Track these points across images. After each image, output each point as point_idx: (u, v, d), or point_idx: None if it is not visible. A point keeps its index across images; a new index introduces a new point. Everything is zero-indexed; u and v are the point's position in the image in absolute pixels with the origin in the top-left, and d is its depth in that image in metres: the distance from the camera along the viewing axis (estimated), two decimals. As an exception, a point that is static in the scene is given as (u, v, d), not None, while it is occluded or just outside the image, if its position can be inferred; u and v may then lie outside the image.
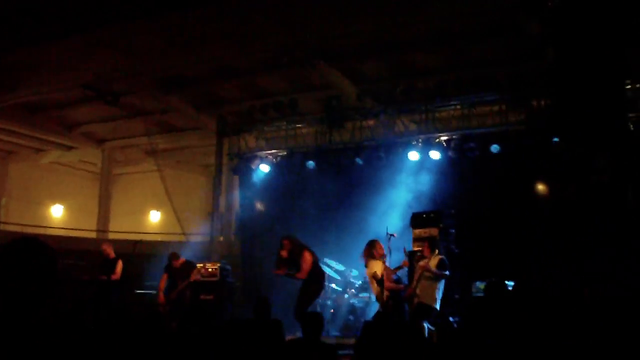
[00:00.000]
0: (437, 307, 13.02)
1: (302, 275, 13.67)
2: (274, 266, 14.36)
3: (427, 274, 13.05)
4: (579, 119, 13.57)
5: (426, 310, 12.88)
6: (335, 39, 17.37)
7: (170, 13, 17.91)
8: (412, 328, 12.00)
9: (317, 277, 13.89)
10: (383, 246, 14.20)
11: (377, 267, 13.98)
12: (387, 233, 14.14)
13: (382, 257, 14.02)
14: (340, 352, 13.32)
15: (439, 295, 13.08)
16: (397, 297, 13.76)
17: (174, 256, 16.29)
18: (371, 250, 14.21)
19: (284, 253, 13.79)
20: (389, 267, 13.88)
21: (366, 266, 14.48)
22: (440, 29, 16.87)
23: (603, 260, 13.11)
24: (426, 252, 13.43)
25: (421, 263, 13.29)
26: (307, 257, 13.74)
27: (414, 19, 16.06)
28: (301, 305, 13.50)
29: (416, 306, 13.04)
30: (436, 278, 13.03)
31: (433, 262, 13.10)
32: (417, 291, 13.13)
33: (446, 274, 13.11)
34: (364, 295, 16.02)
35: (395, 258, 14.22)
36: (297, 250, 13.84)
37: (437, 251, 13.42)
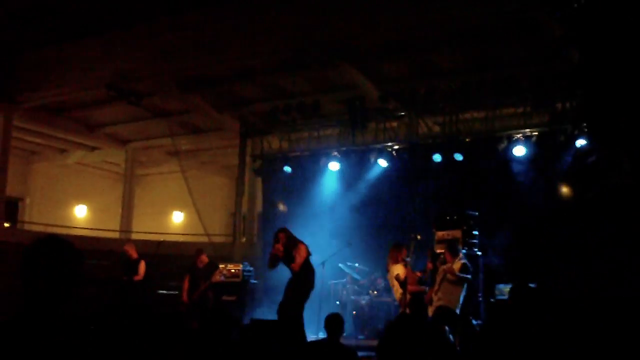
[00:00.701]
0: (458, 311, 12.93)
1: (296, 267, 13.46)
2: (268, 263, 14.30)
3: (449, 276, 12.97)
4: (605, 121, 13.47)
5: (447, 314, 12.79)
6: (356, 39, 17.33)
7: (192, 12, 17.94)
8: (435, 331, 11.94)
9: (308, 273, 13.68)
10: (406, 249, 14.17)
11: (399, 269, 13.95)
12: (412, 235, 14.09)
13: (404, 260, 13.99)
14: (363, 353, 13.33)
15: (460, 299, 12.99)
16: (419, 300, 13.72)
17: (199, 252, 16.33)
18: (394, 254, 14.21)
19: (279, 247, 13.64)
20: (411, 270, 13.84)
21: (388, 270, 14.48)
22: (462, 30, 16.77)
23: (627, 264, 13.00)
24: (447, 257, 13.35)
25: (444, 266, 13.21)
26: (303, 249, 13.56)
27: (436, 19, 15.99)
28: (292, 304, 13.29)
29: (436, 309, 12.96)
30: (459, 282, 12.94)
31: (456, 266, 13.02)
32: (440, 294, 13.05)
33: (468, 278, 13.02)
34: (387, 297, 15.98)
35: (421, 260, 14.19)
36: (292, 243, 13.69)
37: (460, 255, 13.33)
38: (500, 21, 16.02)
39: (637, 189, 13.27)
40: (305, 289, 13.57)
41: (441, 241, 15.18)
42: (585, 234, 14.43)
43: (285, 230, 14.01)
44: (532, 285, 12.89)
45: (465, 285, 13.08)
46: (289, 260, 13.56)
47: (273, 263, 13.90)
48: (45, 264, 3.33)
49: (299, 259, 13.45)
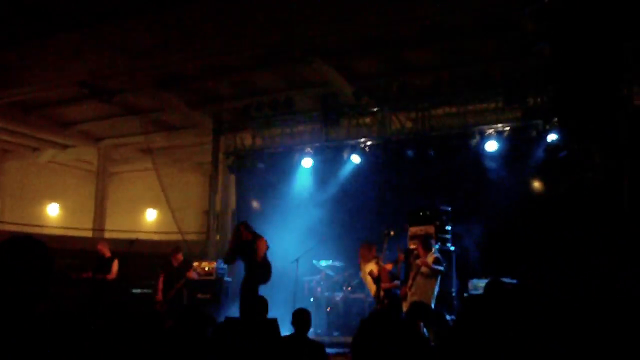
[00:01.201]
0: (433, 305, 13.01)
1: (259, 258, 13.62)
2: (224, 258, 14.40)
3: (423, 269, 13.04)
4: (576, 116, 13.57)
5: (422, 309, 12.84)
6: (330, 36, 17.33)
7: (165, 10, 17.87)
8: (409, 326, 12.00)
9: (268, 266, 13.80)
10: (375, 247, 14.31)
11: (372, 266, 14.03)
12: (385, 230, 14.13)
13: (375, 257, 14.09)
14: (337, 350, 13.38)
15: (434, 293, 13.07)
16: (393, 295, 13.78)
17: (176, 250, 16.29)
18: (365, 251, 14.32)
19: (240, 238, 13.79)
20: (384, 266, 13.89)
21: (361, 268, 14.56)
22: (435, 26, 16.83)
23: (597, 260, 13.11)
24: (420, 252, 13.41)
25: (417, 260, 13.28)
26: (264, 242, 13.74)
27: (408, 16, 16.02)
28: (250, 287, 13.50)
29: (411, 304, 13.01)
30: (432, 274, 13.02)
31: (429, 260, 13.10)
32: (413, 289, 13.12)
33: (441, 270, 13.11)
34: (361, 293, 16.03)
35: (394, 255, 14.24)
36: (253, 237, 13.85)
37: (432, 249, 13.40)
38: (471, 18, 16.10)
39: (608, 184, 13.39)
40: (261, 275, 13.73)
41: (414, 236, 15.25)
42: (556, 229, 14.54)
43: (245, 224, 14.10)
44: (511, 281, 13.07)
45: (439, 280, 13.16)
46: (248, 253, 13.65)
47: (230, 258, 14.06)
48: (13, 264, 3.32)
49: (261, 253, 13.57)
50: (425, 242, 13.57)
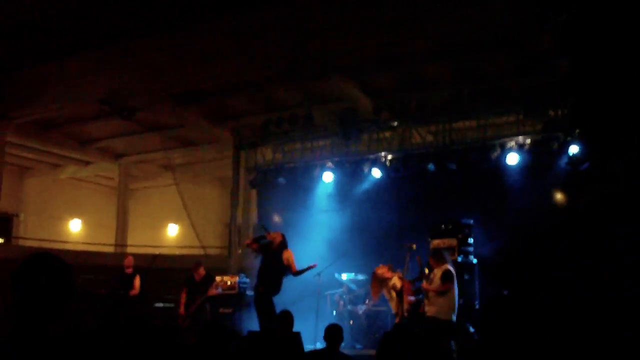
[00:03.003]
0: (455, 317, 12.88)
1: (294, 270, 13.89)
2: (258, 245, 14.51)
3: (430, 294, 12.98)
4: (597, 128, 13.55)
5: (436, 325, 12.73)
6: (348, 52, 17.38)
7: (184, 28, 17.99)
8: (428, 342, 11.97)
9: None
10: (391, 265, 14.36)
11: (395, 280, 14.00)
12: (407, 244, 14.11)
13: (394, 272, 14.11)
14: (361, 364, 13.35)
15: (453, 306, 12.90)
16: (415, 310, 13.75)
17: (197, 266, 16.31)
18: (383, 271, 14.35)
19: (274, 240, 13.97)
20: (407, 280, 13.85)
21: (383, 281, 14.58)
22: (453, 42, 16.86)
23: (621, 270, 13.07)
24: (433, 264, 13.34)
25: (424, 285, 13.22)
26: (292, 255, 14.03)
27: (427, 32, 16.07)
28: (268, 299, 13.79)
29: (426, 321, 12.90)
30: (442, 292, 12.87)
31: (438, 274, 12.99)
32: (428, 306, 12.99)
33: (446, 288, 12.88)
34: (383, 306, 16.00)
35: (417, 269, 14.21)
36: (284, 247, 14.08)
37: (445, 262, 13.29)
38: (490, 33, 16.10)
39: (629, 196, 13.34)
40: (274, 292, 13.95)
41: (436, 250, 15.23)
42: (580, 241, 14.49)
43: (283, 235, 14.22)
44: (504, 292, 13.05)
45: (456, 292, 13.00)
46: (273, 260, 13.73)
47: (261, 250, 14.20)
48: (35, 281, 3.34)
49: (294, 264, 13.79)
50: (435, 255, 13.50)
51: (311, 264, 14.08)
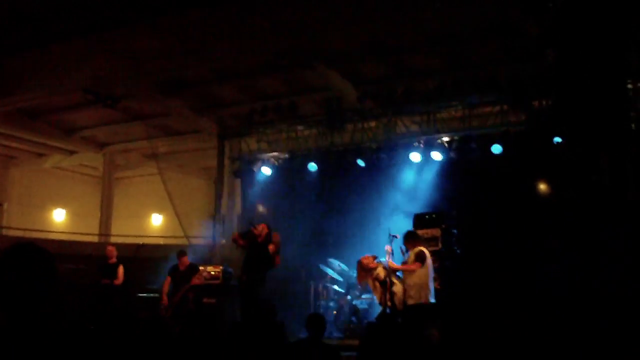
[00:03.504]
0: (432, 299, 13.01)
1: (278, 262, 14.02)
2: (239, 238, 14.52)
3: (405, 274, 13.14)
4: (580, 119, 13.59)
5: (423, 310, 12.84)
6: (333, 41, 17.37)
7: (169, 16, 17.89)
8: (414, 330, 12.03)
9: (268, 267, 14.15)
10: (372, 258, 14.37)
11: (379, 270, 14.01)
12: (390, 234, 14.11)
13: (371, 269, 14.12)
14: (344, 353, 13.38)
15: (425, 285, 12.96)
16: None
17: (181, 253, 16.29)
18: (367, 262, 14.34)
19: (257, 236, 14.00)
20: (391, 264, 13.81)
21: (361, 281, 14.64)
22: (439, 30, 16.82)
23: (604, 261, 13.14)
24: (408, 246, 13.45)
25: (389, 263, 13.37)
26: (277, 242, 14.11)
27: (412, 21, 16.04)
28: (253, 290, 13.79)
29: (412, 309, 12.97)
30: (414, 274, 13.01)
31: (412, 255, 13.12)
32: (409, 292, 13.07)
33: (416, 267, 13.03)
34: (367, 296, 16.03)
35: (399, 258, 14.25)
36: (269, 239, 14.09)
37: (419, 243, 13.39)
38: (476, 22, 16.10)
39: (613, 187, 13.41)
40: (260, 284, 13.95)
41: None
42: (564, 232, 14.56)
43: (269, 227, 14.22)
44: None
45: (430, 276, 13.08)
46: (258, 251, 13.78)
47: (240, 243, 14.27)
48: (17, 271, 3.32)
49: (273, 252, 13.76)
50: (407, 237, 13.58)
51: None
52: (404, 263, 13.42)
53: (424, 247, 13.46)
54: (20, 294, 3.30)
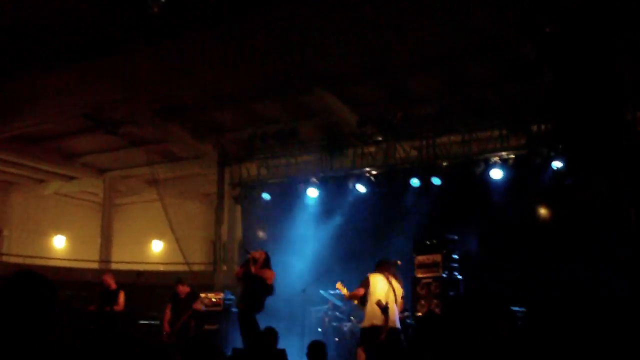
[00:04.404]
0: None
1: (270, 281, 13.90)
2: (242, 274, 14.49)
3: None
4: (578, 143, 13.60)
5: (396, 335, 12.88)
6: (332, 65, 17.40)
7: (168, 41, 17.93)
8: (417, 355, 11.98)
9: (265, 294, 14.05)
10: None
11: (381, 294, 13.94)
12: (391, 260, 14.06)
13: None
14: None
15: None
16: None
17: (179, 281, 16.27)
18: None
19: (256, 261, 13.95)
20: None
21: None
22: (437, 54, 16.86)
23: (606, 282, 13.14)
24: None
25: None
26: (272, 273, 13.99)
27: (410, 44, 16.07)
28: (250, 316, 13.73)
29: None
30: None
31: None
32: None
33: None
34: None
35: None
36: (267, 266, 14.01)
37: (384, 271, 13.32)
38: (474, 45, 16.13)
39: (612, 210, 13.41)
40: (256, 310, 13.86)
41: (422, 265, 15.26)
42: (564, 254, 14.55)
43: (266, 254, 14.20)
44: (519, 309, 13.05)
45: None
46: (255, 277, 13.76)
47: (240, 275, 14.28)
48: (16, 300, 3.32)
49: (271, 279, 13.75)
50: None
51: None
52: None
53: (385, 273, 13.23)
54: (19, 323, 3.29)
